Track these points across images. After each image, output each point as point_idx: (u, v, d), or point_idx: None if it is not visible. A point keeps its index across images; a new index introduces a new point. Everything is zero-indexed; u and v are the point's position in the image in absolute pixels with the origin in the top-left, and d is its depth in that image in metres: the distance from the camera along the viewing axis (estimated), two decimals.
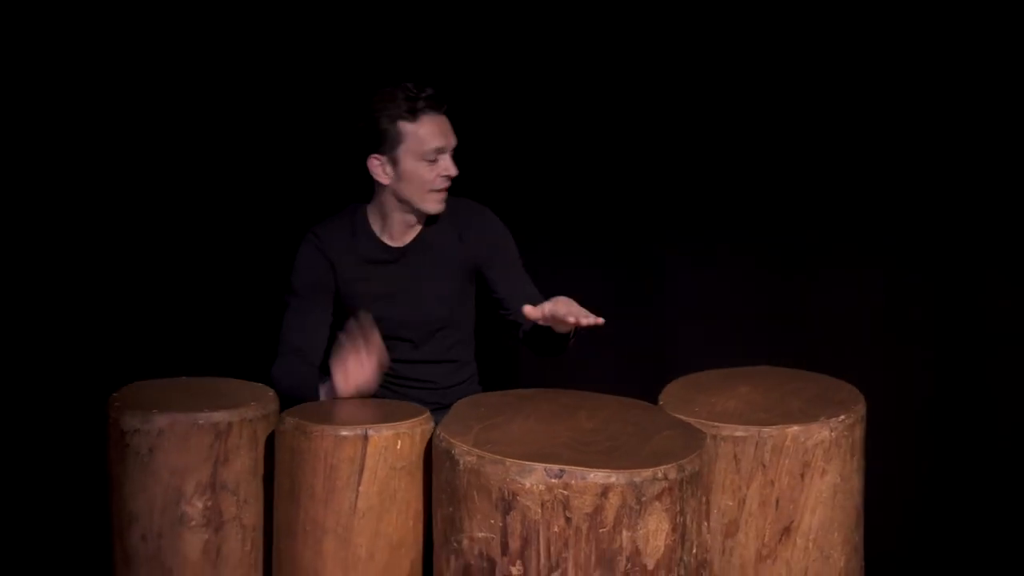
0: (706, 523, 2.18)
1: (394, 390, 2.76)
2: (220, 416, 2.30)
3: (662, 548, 2.02)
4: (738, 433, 2.37)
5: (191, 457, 2.28)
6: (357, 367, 2.45)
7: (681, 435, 2.20)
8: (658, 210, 3.38)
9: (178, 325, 3.23)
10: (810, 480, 2.37)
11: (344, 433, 2.16)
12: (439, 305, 2.72)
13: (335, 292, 2.72)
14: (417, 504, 2.24)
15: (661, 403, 2.53)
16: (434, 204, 2.66)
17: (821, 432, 2.37)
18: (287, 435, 2.22)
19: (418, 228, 2.72)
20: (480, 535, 2.05)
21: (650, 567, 2.01)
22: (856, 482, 2.45)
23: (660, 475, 2.01)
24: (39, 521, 3.06)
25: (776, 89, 3.31)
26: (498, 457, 2.02)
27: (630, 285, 3.40)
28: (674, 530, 2.04)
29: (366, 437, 2.16)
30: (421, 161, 2.61)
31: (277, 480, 2.26)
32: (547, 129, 3.36)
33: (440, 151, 2.62)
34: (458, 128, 2.70)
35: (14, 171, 3.17)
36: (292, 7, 3.24)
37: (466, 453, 2.06)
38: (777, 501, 2.38)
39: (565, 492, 1.99)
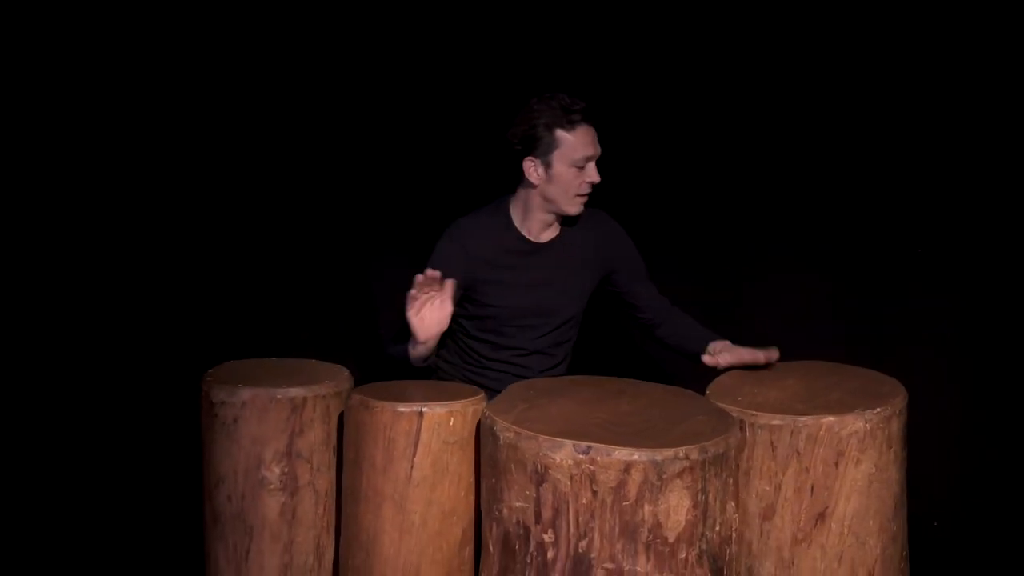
0: (732, 503, 2.31)
1: (498, 375, 2.94)
2: (296, 392, 2.57)
3: (683, 523, 2.17)
4: (774, 422, 2.49)
5: (270, 427, 2.55)
6: (432, 310, 2.65)
7: (712, 420, 2.34)
8: (737, 218, 3.51)
9: (280, 310, 3.50)
10: (844, 468, 2.47)
11: (401, 409, 2.38)
12: (567, 300, 2.97)
13: (464, 284, 2.89)
14: (468, 477, 2.45)
15: (708, 392, 2.67)
16: (576, 207, 2.89)
17: (856, 423, 2.47)
18: (353, 410, 2.46)
19: (556, 228, 2.97)
20: (517, 505, 2.24)
21: (671, 539, 2.16)
22: (893, 472, 2.54)
23: (682, 455, 2.16)
24: (140, 484, 3.39)
25: (839, 113, 3.40)
26: (532, 434, 2.21)
27: (712, 291, 3.52)
28: (695, 507, 2.18)
29: (421, 413, 2.38)
30: (571, 167, 2.83)
31: (344, 450, 2.50)
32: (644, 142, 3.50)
33: (589, 159, 2.84)
34: None
35: (113, 155, 3.43)
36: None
37: (505, 429, 2.25)
38: (812, 488, 2.49)
39: (592, 467, 2.17)
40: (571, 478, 2.18)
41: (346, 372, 2.73)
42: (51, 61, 3.36)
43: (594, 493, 2.17)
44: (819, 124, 3.42)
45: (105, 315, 3.38)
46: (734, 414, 2.51)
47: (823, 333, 3.44)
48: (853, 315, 3.42)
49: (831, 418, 2.47)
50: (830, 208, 3.46)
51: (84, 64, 3.35)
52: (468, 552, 2.49)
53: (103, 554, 3.23)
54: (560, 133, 2.82)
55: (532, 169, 2.86)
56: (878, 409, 2.49)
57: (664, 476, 2.16)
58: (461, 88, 3.43)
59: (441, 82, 3.46)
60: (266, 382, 2.62)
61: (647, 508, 2.16)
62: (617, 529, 2.17)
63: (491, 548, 2.32)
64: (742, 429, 2.51)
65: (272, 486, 2.58)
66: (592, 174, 2.86)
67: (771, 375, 2.79)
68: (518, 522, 2.26)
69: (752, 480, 2.53)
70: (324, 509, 2.63)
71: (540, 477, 2.21)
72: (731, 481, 2.30)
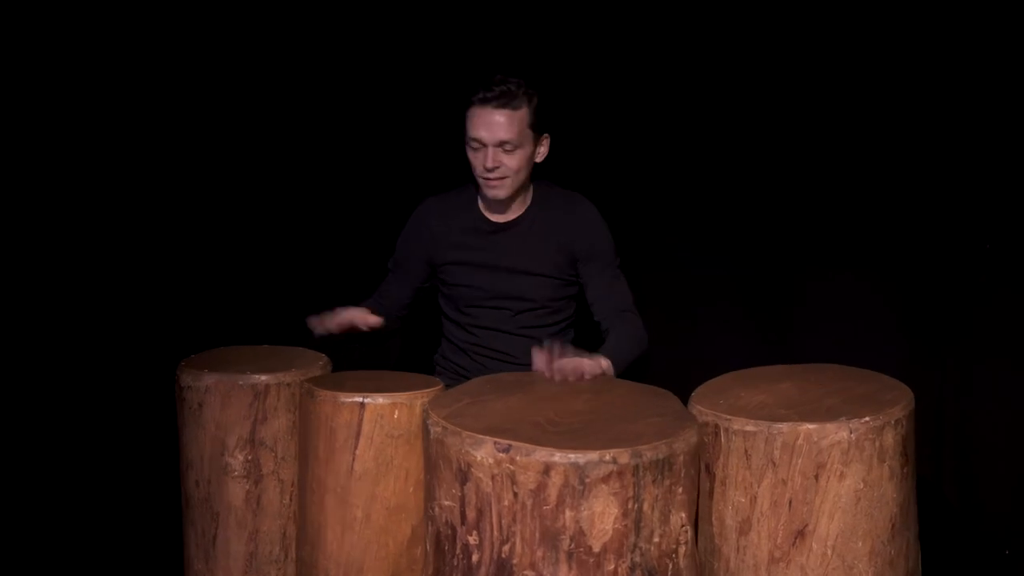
0: (682, 513, 2.10)
1: (474, 359, 2.92)
2: (258, 378, 2.54)
3: (610, 532, 1.99)
4: (748, 428, 2.26)
5: (232, 414, 2.53)
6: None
7: (667, 423, 2.15)
8: (787, 227, 3.31)
9: (296, 299, 3.49)
10: (826, 483, 2.22)
11: (342, 399, 2.31)
12: (533, 283, 2.84)
13: (431, 263, 2.91)
14: (418, 472, 2.34)
15: (695, 393, 2.47)
16: (487, 191, 2.80)
17: (838, 433, 2.21)
18: (301, 399, 2.40)
19: (520, 208, 2.86)
20: (446, 503, 2.12)
21: (595, 549, 1.99)
22: (889, 490, 2.26)
23: (608, 458, 1.98)
24: (130, 468, 3.41)
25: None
26: (457, 429, 2.08)
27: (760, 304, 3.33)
28: (625, 515, 2.00)
29: (362, 404, 2.30)
30: (469, 148, 2.76)
31: (298, 440, 2.45)
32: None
33: (477, 142, 2.73)
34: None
35: (104, 148, 3.45)
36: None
37: (435, 424, 2.13)
38: (790, 502, 2.24)
39: (511, 467, 2.01)
40: (492, 478, 2.04)
41: (323, 360, 2.67)
42: (28, 48, 3.37)
43: (515, 495, 2.02)
44: (873, 124, 3.20)
45: (110, 301, 3.44)
46: (708, 418, 2.31)
47: (886, 332, 3.18)
48: (915, 317, 3.13)
49: (809, 426, 2.22)
50: (892, 207, 3.21)
51: (58, 53, 3.37)
52: (421, 551, 2.38)
53: (89, 535, 3.27)
54: (468, 111, 2.74)
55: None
56: (866, 418, 2.22)
57: (587, 480, 1.99)
58: (456, 84, 3.33)
59: (437, 80, 3.38)
60: (234, 368, 2.59)
61: (568, 514, 1.99)
62: (538, 535, 2.00)
63: (427, 547, 2.21)
64: (716, 434, 2.31)
65: (236, 473, 2.55)
66: (483, 159, 2.72)
67: (770, 377, 2.54)
68: (447, 522, 2.13)
69: (728, 491, 2.31)
70: (291, 499, 2.58)
71: (464, 475, 2.08)
72: (679, 490, 2.10)
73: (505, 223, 2.87)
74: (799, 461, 2.23)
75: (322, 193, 3.46)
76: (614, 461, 1.99)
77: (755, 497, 2.27)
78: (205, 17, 3.41)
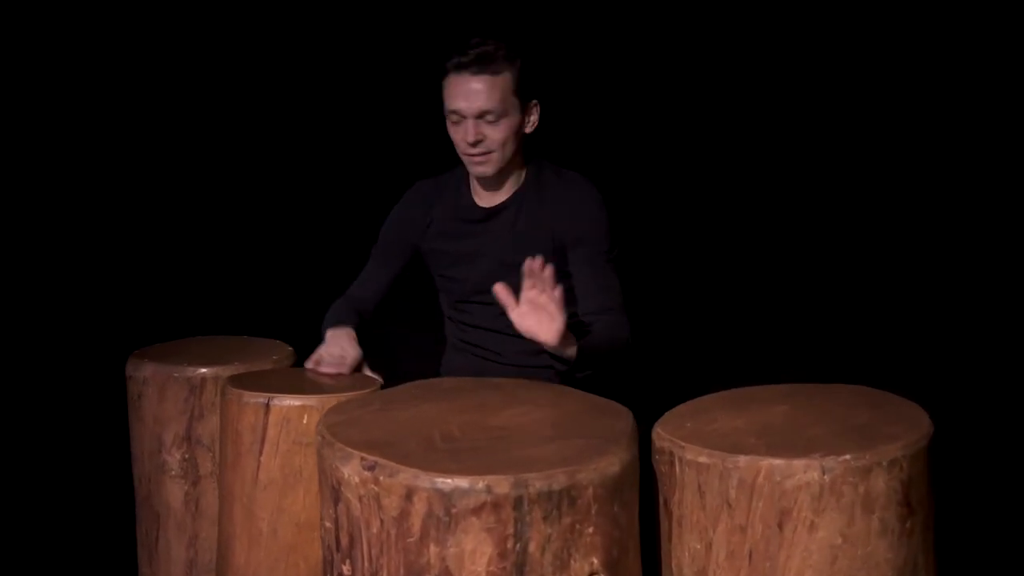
0: (593, 559, 1.72)
1: (470, 360, 2.60)
2: (194, 371, 2.33)
3: (483, 575, 1.65)
4: (701, 459, 1.84)
5: (168, 408, 2.34)
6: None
7: (587, 447, 1.77)
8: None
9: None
10: (793, 534, 1.77)
11: (247, 399, 2.05)
12: (514, 274, 2.48)
13: (415, 249, 2.63)
14: None
15: (667, 413, 2.07)
16: (472, 169, 2.46)
17: (807, 472, 1.76)
18: (219, 396, 2.17)
19: (505, 191, 2.53)
20: (327, 525, 1.84)
21: None
22: (880, 548, 1.77)
23: (481, 486, 1.64)
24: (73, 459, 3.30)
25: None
26: (331, 439, 1.79)
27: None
28: (502, 556, 1.64)
29: (267, 406, 2.04)
30: (449, 122, 2.44)
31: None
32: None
33: (457, 113, 2.39)
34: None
35: (63, 145, 3.38)
36: None
37: (319, 432, 1.85)
38: (750, 554, 1.81)
39: (376, 488, 1.70)
40: (360, 499, 1.73)
41: (280, 353, 2.42)
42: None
43: (381, 522, 1.71)
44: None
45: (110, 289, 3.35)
46: (664, 444, 1.91)
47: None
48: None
49: (772, 461, 1.77)
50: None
51: (40, 47, 3.31)
52: None
53: (52, 529, 3.15)
54: (443, 80, 2.40)
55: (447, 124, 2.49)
56: (845, 456, 1.75)
57: (453, 511, 1.65)
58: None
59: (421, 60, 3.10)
60: (176, 360, 2.40)
61: (433, 549, 1.65)
62: (402, 570, 1.69)
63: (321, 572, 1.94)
64: (672, 464, 1.90)
65: (173, 472, 2.36)
66: (465, 132, 2.37)
67: (767, 397, 2.08)
68: (327, 546, 1.85)
69: (684, 533, 1.90)
70: None
71: (336, 494, 1.78)
72: (588, 530, 1.72)
73: (493, 208, 2.53)
74: (759, 504, 1.79)
75: (323, 183, 3.30)
76: (488, 490, 1.64)
77: (711, 544, 1.84)
78: (187, 8, 3.31)
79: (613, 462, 1.75)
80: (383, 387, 2.18)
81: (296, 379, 2.19)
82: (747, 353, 3.12)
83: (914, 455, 1.81)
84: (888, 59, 3.16)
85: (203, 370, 2.33)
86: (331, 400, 2.05)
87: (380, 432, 1.83)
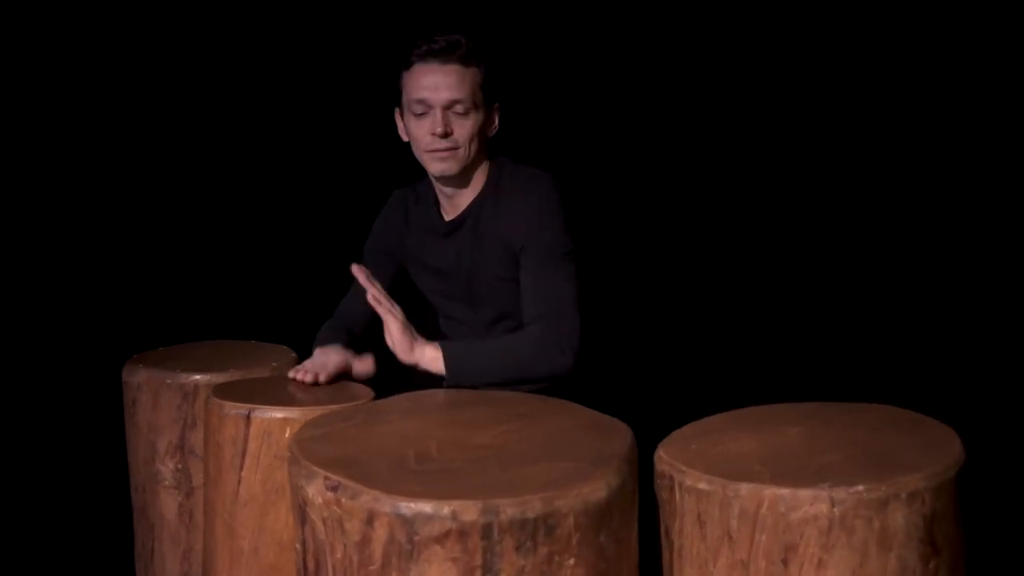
0: None
1: None
2: (187, 378, 2.24)
3: None
4: (701, 485, 1.68)
5: (162, 416, 2.25)
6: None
7: (572, 470, 1.62)
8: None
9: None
10: (798, 571, 1.59)
11: (227, 410, 1.94)
12: (491, 290, 2.33)
13: (398, 261, 2.50)
14: None
15: (673, 433, 1.90)
16: (434, 167, 2.30)
17: (814, 504, 1.58)
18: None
19: (465, 200, 2.36)
20: (297, 546, 1.72)
21: None
22: None
23: (445, 511, 1.50)
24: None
25: None
26: (298, 455, 1.67)
27: None
28: None
29: (248, 418, 1.93)
30: (411, 115, 2.28)
31: None
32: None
33: (423, 103, 2.24)
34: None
35: (65, 146, 3.32)
36: None
37: (290, 447, 1.73)
38: None
39: (339, 510, 1.58)
40: (323, 521, 1.61)
41: (281, 360, 2.31)
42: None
43: (344, 547, 1.59)
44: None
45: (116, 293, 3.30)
46: (665, 467, 1.75)
47: None
48: None
49: (778, 490, 1.60)
50: None
51: (37, 46, 3.25)
52: None
53: (55, 533, 3.11)
54: (404, 76, 2.26)
55: (399, 123, 2.35)
56: (858, 487, 1.57)
57: (416, 538, 1.51)
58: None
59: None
60: (174, 364, 2.31)
61: None
62: None
63: None
64: (672, 490, 1.74)
65: (166, 482, 2.27)
66: (434, 123, 2.21)
67: (787, 416, 1.90)
68: (299, 569, 1.74)
69: (684, 566, 1.74)
70: None
71: (303, 514, 1.67)
72: (569, 562, 1.57)
73: (455, 220, 2.37)
74: (762, 537, 1.62)
75: (343, 182, 3.21)
76: (453, 516, 1.51)
77: None
78: (183, 8, 3.25)
79: (599, 487, 1.60)
80: (378, 397, 2.06)
81: (285, 389, 2.09)
82: (776, 366, 2.93)
83: (939, 487, 1.62)
84: (889, 60, 3.07)
85: (196, 376, 2.24)
86: (315, 412, 1.93)
87: (353, 449, 1.71)
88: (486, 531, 1.51)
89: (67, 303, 3.26)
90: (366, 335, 2.38)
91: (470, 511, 1.51)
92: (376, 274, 2.46)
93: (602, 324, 2.44)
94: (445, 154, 2.26)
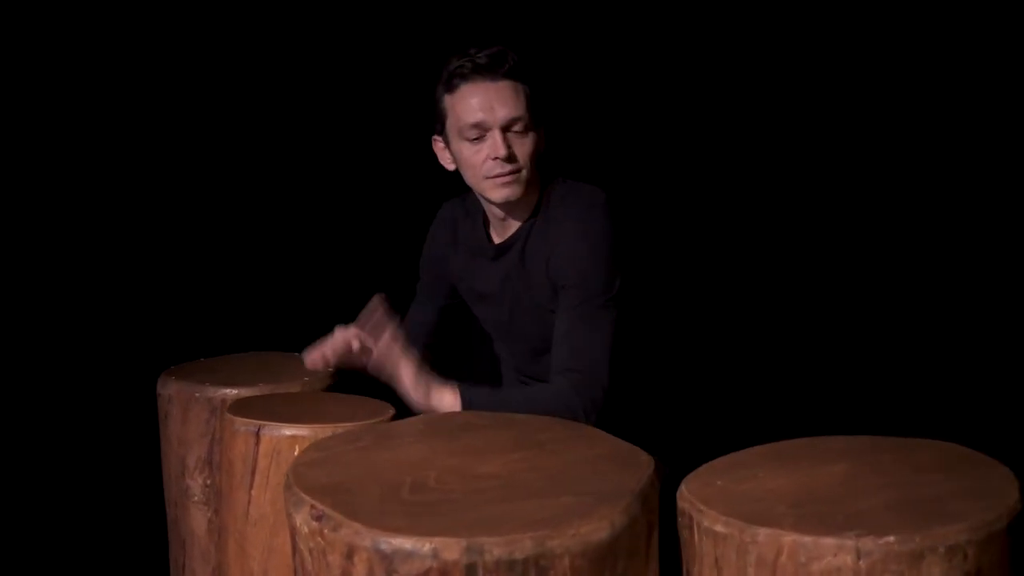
0: None
1: None
2: (216, 391, 2.18)
3: None
4: (718, 527, 1.53)
5: (192, 430, 2.21)
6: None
7: (575, 506, 1.49)
8: None
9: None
10: None
11: (237, 426, 1.88)
12: (529, 319, 2.20)
13: (449, 281, 2.39)
14: None
15: (702, 467, 1.75)
16: (496, 193, 2.13)
17: (838, 556, 1.41)
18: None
19: (515, 223, 2.21)
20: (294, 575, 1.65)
21: None
22: None
23: (426, 548, 1.39)
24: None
25: None
26: (291, 480, 1.59)
27: None
28: None
29: (258, 435, 1.86)
30: (464, 141, 2.12)
31: None
32: None
33: (480, 127, 2.09)
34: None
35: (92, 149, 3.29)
36: None
37: (288, 471, 1.66)
38: None
39: (323, 542, 1.49)
40: (310, 552, 1.53)
41: (312, 376, 2.23)
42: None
43: None
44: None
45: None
46: (683, 504, 1.61)
47: None
48: None
49: (799, 538, 1.44)
50: None
51: (45, 50, 3.22)
52: None
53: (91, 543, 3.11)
54: (446, 99, 2.10)
55: (442, 152, 2.19)
56: (888, 538, 1.40)
57: None
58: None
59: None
60: (204, 377, 2.26)
61: None
62: None
63: None
64: (691, 529, 1.60)
65: (196, 498, 2.23)
66: (495, 147, 2.04)
67: (824, 452, 1.72)
68: None
69: None
70: None
71: (294, 542, 1.59)
72: None
73: (503, 244, 2.23)
74: None
75: (385, 194, 3.15)
76: (434, 554, 1.41)
77: None
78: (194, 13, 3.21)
79: (601, 527, 1.48)
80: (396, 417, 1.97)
81: (303, 405, 2.02)
82: (847, 393, 2.73)
83: (985, 539, 1.44)
84: (889, 62, 2.99)
85: (225, 390, 2.19)
86: (325, 430, 1.86)
87: (348, 475, 1.62)
88: (469, 571, 1.40)
89: (112, 313, 3.29)
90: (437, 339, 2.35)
91: (452, 549, 1.40)
92: (434, 295, 2.40)
93: (649, 343, 2.31)
94: (509, 178, 2.10)
